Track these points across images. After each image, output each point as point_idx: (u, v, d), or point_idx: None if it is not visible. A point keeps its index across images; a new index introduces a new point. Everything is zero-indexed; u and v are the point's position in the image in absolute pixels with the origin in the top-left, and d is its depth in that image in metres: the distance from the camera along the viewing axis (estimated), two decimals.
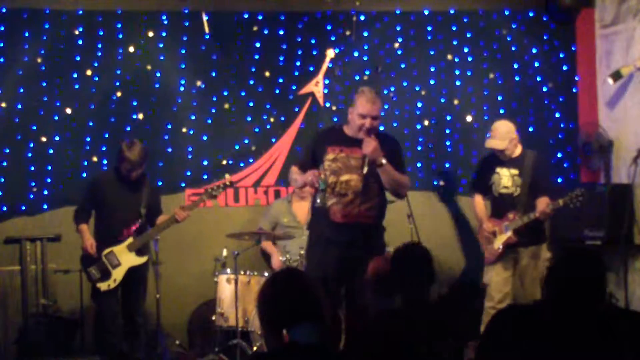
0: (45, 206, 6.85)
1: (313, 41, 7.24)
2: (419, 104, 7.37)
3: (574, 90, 7.49)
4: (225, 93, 7.17)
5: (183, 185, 7.10)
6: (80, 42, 6.95)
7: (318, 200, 4.83)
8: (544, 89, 7.47)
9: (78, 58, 6.95)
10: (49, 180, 6.86)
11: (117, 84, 7.00)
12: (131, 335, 6.05)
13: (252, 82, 7.18)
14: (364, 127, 4.91)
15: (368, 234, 5.00)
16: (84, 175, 6.90)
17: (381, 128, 7.27)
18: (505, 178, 6.02)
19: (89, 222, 6.05)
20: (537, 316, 2.79)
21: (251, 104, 7.19)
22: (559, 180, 7.38)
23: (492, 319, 2.91)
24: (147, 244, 6.10)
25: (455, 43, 7.38)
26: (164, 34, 7.07)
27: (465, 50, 7.38)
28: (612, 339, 2.70)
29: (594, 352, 2.68)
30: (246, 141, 7.16)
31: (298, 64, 7.23)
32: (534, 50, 7.44)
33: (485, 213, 6.19)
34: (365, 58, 7.29)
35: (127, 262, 5.94)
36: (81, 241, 5.95)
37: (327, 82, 7.19)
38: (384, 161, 4.87)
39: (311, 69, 7.21)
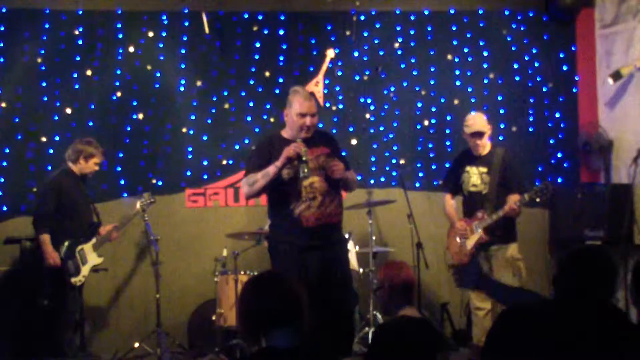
0: None
1: (313, 41, 7.24)
2: (419, 104, 7.37)
3: (574, 90, 7.49)
4: (225, 93, 7.17)
5: (183, 185, 7.10)
6: (80, 42, 6.96)
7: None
8: (544, 89, 7.47)
9: (78, 58, 6.95)
10: None
11: (117, 84, 7.01)
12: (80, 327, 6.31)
13: (252, 82, 7.18)
14: (304, 125, 4.85)
15: (338, 232, 5.04)
16: None
17: (381, 128, 7.32)
18: (475, 176, 5.94)
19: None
20: (544, 316, 2.78)
21: (251, 104, 7.19)
22: (559, 180, 7.39)
23: (497, 319, 2.90)
24: None
25: (455, 43, 7.38)
26: (164, 34, 7.08)
27: (465, 50, 7.38)
28: (618, 340, 2.69)
29: (601, 352, 2.67)
30: (246, 141, 7.16)
31: (298, 64, 7.23)
32: (534, 50, 7.44)
33: (456, 213, 6.10)
34: (365, 58, 7.30)
35: (92, 260, 6.20)
36: (45, 250, 5.98)
37: (327, 82, 7.18)
38: (347, 175, 4.94)
39: (311, 69, 7.20)
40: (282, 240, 4.92)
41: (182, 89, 7.11)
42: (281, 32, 7.21)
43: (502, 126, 7.35)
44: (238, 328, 2.48)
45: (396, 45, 7.34)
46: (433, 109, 7.39)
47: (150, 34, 7.04)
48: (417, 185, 7.32)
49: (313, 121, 4.87)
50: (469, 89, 7.40)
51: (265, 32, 7.19)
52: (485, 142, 5.97)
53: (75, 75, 6.94)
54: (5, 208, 6.84)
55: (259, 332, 2.68)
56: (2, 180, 6.84)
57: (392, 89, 7.33)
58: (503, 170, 5.86)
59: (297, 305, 2.71)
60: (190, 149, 7.12)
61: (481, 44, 7.41)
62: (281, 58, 7.21)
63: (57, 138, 6.90)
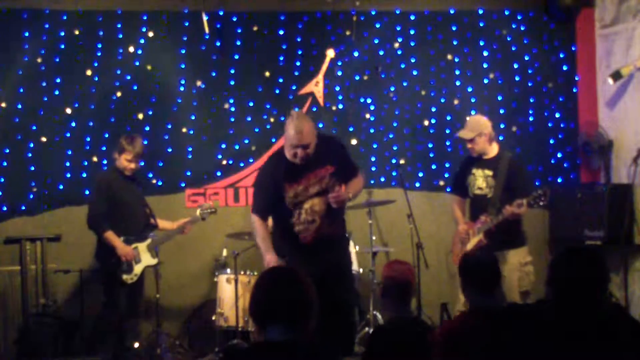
0: (45, 206, 6.85)
1: (313, 41, 7.24)
2: (419, 104, 7.37)
3: (574, 90, 7.49)
4: (225, 93, 7.17)
5: (183, 185, 7.10)
6: (80, 42, 6.95)
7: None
8: (544, 89, 7.47)
9: (78, 58, 6.95)
10: (49, 180, 6.87)
11: (117, 84, 7.01)
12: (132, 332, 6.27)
13: (252, 82, 7.18)
14: (294, 157, 4.81)
15: (338, 242, 5.08)
16: (84, 175, 6.91)
17: (381, 128, 7.32)
18: (480, 179, 5.83)
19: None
20: (539, 316, 2.78)
21: (251, 104, 7.19)
22: (559, 180, 7.39)
23: (497, 320, 2.90)
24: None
25: (455, 43, 7.38)
26: (164, 34, 7.08)
27: (465, 50, 7.38)
28: (613, 339, 2.70)
29: (596, 352, 2.68)
30: (246, 141, 7.17)
31: (298, 64, 7.23)
32: (534, 50, 7.44)
33: (461, 215, 6.00)
34: (365, 58, 7.29)
35: (145, 260, 6.17)
36: (116, 246, 5.95)
37: (327, 82, 7.19)
38: (350, 196, 4.93)
39: (311, 69, 7.21)
40: (283, 245, 4.97)
41: (182, 89, 7.11)
42: (281, 32, 7.20)
43: (502, 126, 7.35)
44: (249, 310, 2.55)
45: (396, 45, 7.34)
46: (433, 109, 7.39)
47: (150, 34, 7.04)
48: (417, 185, 7.32)
49: (303, 153, 4.79)
50: (469, 89, 7.40)
51: (265, 32, 7.19)
52: (483, 145, 5.83)
53: (75, 76, 6.94)
54: (5, 208, 6.84)
55: (263, 321, 2.70)
56: (2, 180, 6.84)
57: (392, 89, 7.33)
58: (509, 175, 5.73)
59: (306, 304, 2.73)
60: (190, 149, 7.12)
61: (481, 44, 7.41)
62: (281, 58, 7.21)
63: (57, 138, 6.90)
